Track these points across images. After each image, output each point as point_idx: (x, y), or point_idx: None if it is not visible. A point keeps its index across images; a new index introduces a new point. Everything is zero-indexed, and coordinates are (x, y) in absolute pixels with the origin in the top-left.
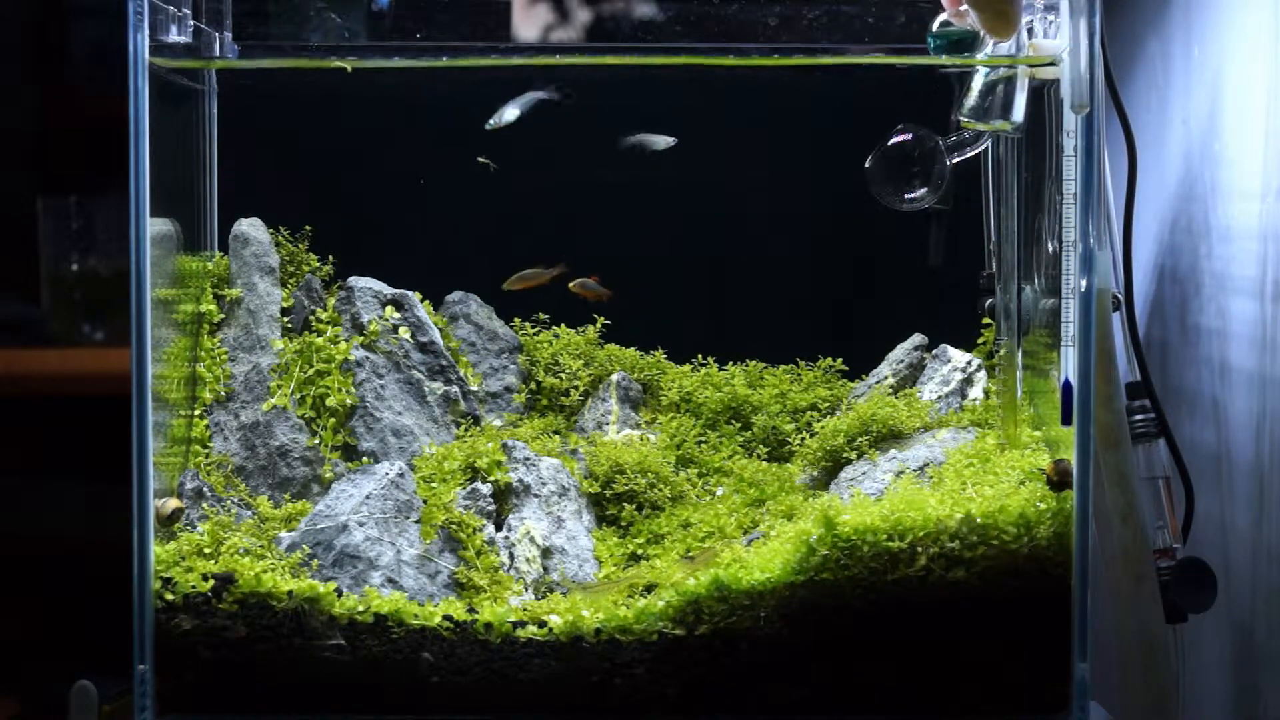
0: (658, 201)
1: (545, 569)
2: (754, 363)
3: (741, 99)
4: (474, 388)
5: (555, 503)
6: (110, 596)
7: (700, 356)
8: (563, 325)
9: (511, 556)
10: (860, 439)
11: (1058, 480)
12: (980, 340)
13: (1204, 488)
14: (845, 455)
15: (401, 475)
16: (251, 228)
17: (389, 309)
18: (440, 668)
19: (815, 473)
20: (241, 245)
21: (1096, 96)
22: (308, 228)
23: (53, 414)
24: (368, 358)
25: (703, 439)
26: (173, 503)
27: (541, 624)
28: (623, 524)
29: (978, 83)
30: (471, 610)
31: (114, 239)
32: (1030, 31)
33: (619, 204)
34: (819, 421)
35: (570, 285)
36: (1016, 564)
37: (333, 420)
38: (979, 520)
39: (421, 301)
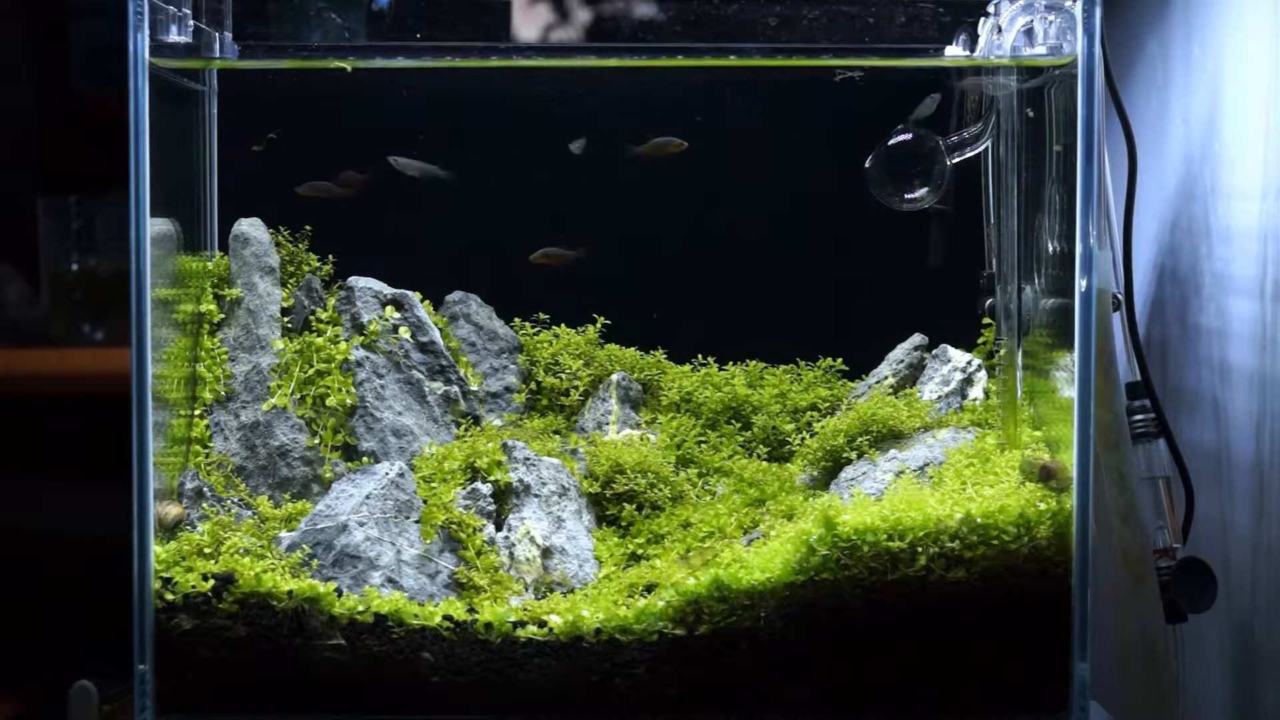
0: (658, 201)
1: (545, 569)
2: (754, 363)
3: (741, 98)
4: (474, 388)
5: (555, 503)
6: (110, 596)
7: (700, 356)
8: (563, 325)
9: (511, 556)
10: (860, 439)
11: (1045, 482)
12: (980, 340)
13: (1204, 488)
14: (845, 455)
15: (401, 475)
16: (251, 228)
17: (389, 309)
18: (440, 668)
19: (815, 473)
20: (241, 245)
21: (1097, 97)
22: (308, 228)
23: (53, 414)
24: (368, 358)
25: (703, 439)
26: (175, 510)
27: (541, 624)
28: (623, 524)
29: None
30: (471, 610)
31: (114, 239)
32: (1030, 33)
33: (619, 204)
34: (819, 421)
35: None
36: (1016, 564)
37: (333, 420)
38: (979, 520)
39: (421, 301)
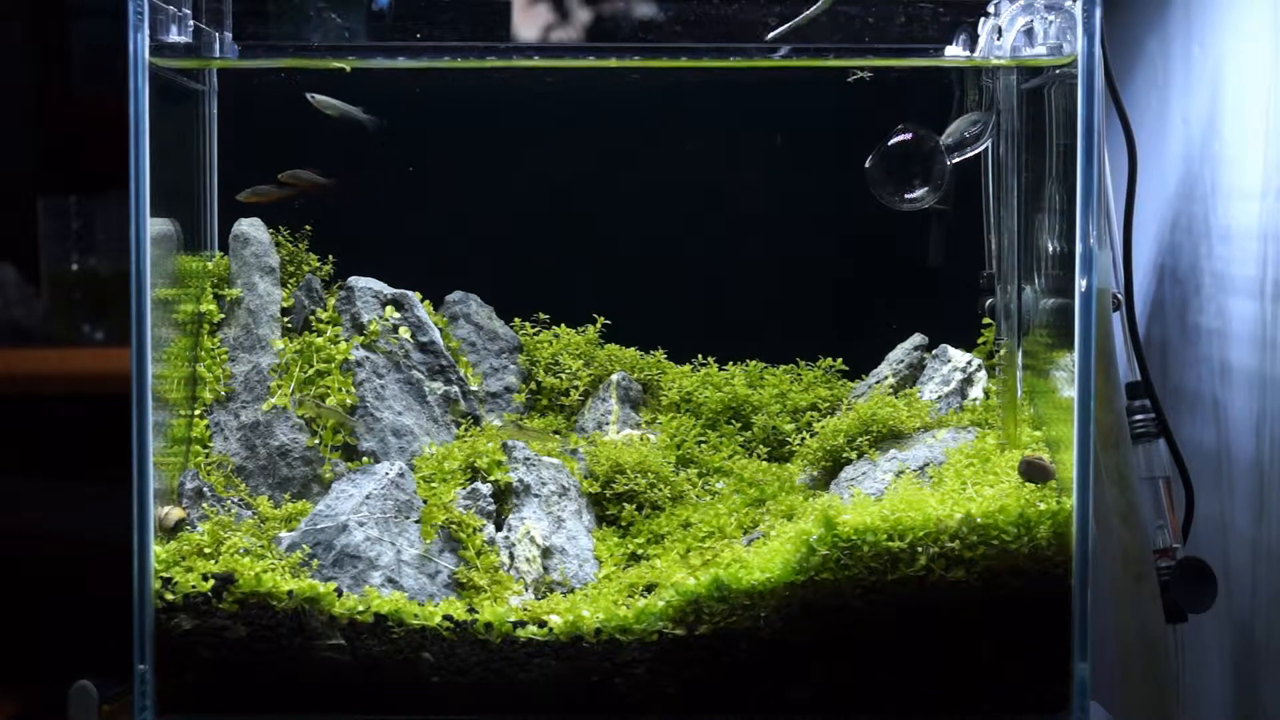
0: (658, 201)
1: (545, 569)
2: (754, 363)
3: (741, 98)
4: (474, 388)
5: (555, 503)
6: (110, 596)
7: (700, 356)
8: (563, 325)
9: (511, 556)
10: (860, 439)
11: (1030, 476)
12: (980, 340)
13: (1204, 488)
14: (845, 455)
15: (401, 475)
16: (251, 228)
17: (389, 309)
18: (440, 668)
19: (815, 473)
20: (241, 245)
21: (1097, 97)
22: (308, 227)
23: (53, 414)
24: (368, 358)
25: (703, 439)
26: (176, 513)
27: (541, 624)
28: (623, 524)
29: None
30: (471, 610)
31: (114, 239)
32: (1030, 33)
33: (619, 204)
34: (819, 421)
35: (281, 176)
36: (1016, 564)
37: (333, 421)
38: (979, 520)
39: (421, 301)
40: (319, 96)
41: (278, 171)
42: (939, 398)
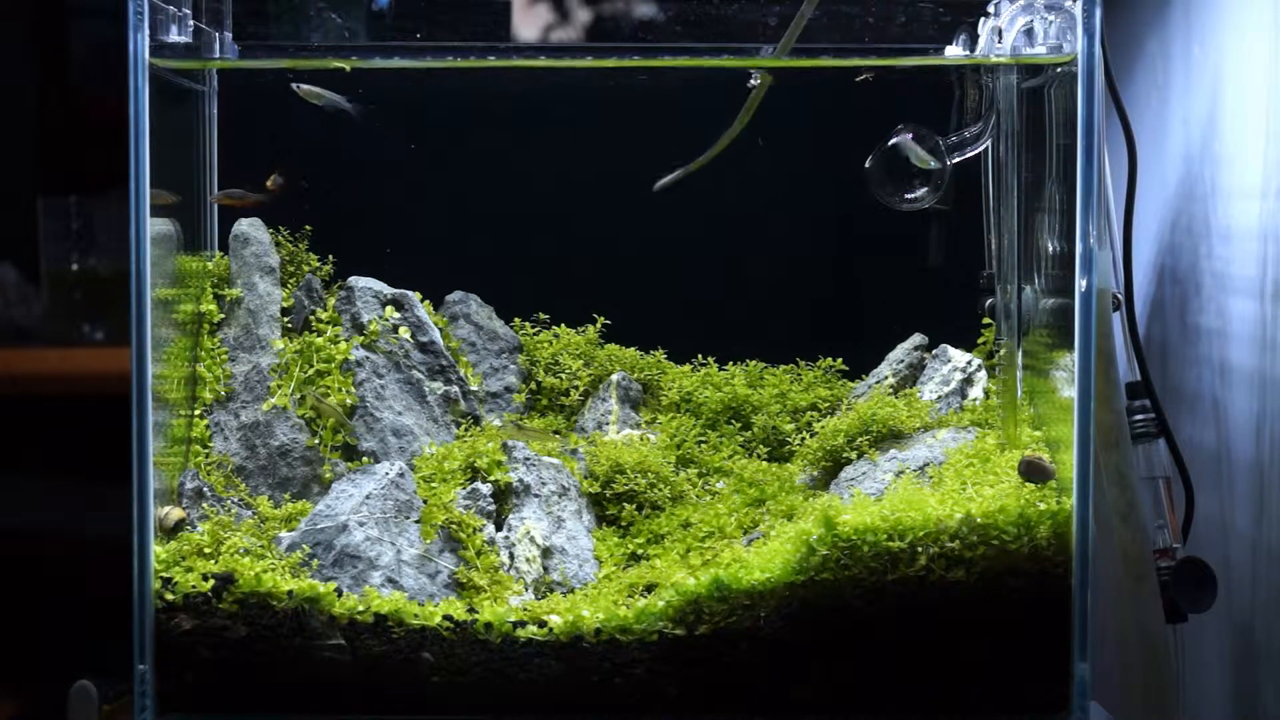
0: (658, 201)
1: (545, 569)
2: (754, 363)
3: (741, 98)
4: (474, 388)
5: (555, 503)
6: (110, 596)
7: (700, 356)
8: (563, 325)
9: (511, 556)
10: (860, 439)
11: (1030, 476)
12: (980, 340)
13: (1204, 488)
14: (845, 455)
15: (401, 475)
16: (251, 228)
17: (389, 309)
18: (440, 668)
19: (815, 473)
20: (241, 245)
21: (1097, 97)
22: (308, 228)
23: (53, 414)
24: (368, 358)
25: (703, 439)
26: (176, 513)
27: (541, 624)
28: (623, 524)
29: None
30: (471, 610)
31: (114, 239)
32: (1030, 32)
33: (619, 204)
34: (819, 421)
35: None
36: (1016, 564)
37: (333, 420)
38: (979, 520)
39: (421, 301)
40: (304, 86)
41: (277, 171)
42: (939, 398)
